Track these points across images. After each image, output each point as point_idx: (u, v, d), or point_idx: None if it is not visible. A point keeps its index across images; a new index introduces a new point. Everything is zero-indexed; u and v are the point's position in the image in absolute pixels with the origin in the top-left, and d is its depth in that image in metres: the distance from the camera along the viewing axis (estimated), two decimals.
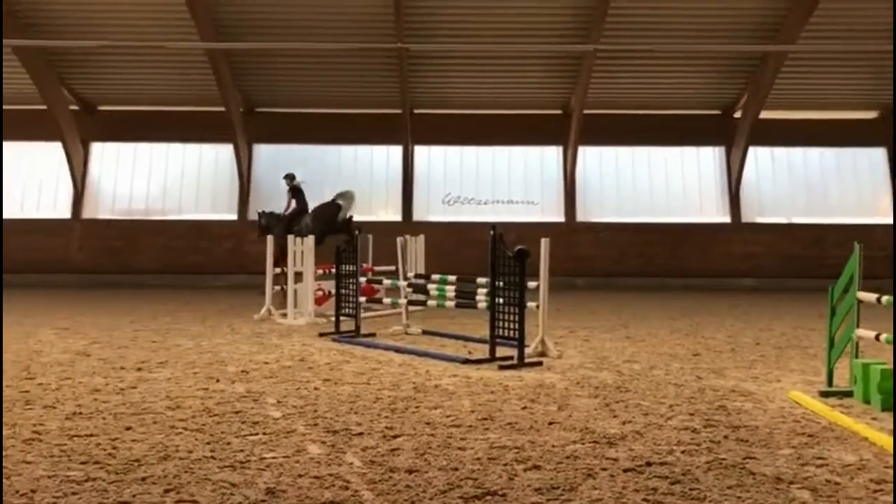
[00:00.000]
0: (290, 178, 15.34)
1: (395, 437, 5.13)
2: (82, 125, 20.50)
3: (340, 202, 14.44)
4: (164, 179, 21.17)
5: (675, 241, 20.44)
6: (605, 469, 4.43)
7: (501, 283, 8.12)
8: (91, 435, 5.16)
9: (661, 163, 21.45)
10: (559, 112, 21.16)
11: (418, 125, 20.72)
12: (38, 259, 19.91)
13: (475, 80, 20.25)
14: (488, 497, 3.98)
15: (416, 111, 20.85)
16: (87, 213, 20.76)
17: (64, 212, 20.69)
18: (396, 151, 21.23)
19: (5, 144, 20.60)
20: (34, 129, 19.97)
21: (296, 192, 15.17)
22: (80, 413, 5.79)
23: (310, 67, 19.67)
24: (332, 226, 14.15)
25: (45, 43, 18.06)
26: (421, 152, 21.40)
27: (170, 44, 17.82)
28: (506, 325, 8.07)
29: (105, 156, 21.19)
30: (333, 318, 10.46)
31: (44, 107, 19.33)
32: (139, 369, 7.65)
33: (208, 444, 4.96)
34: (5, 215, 20.20)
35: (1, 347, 6.88)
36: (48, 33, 18.05)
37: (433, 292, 9.62)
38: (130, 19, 17.89)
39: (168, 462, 4.56)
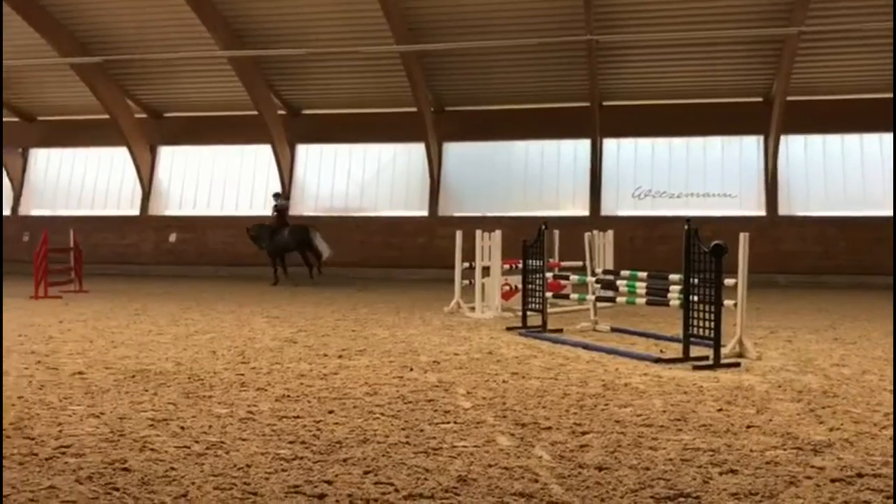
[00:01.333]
0: (276, 197, 18.99)
1: (583, 433, 5.10)
2: (289, 128, 21.97)
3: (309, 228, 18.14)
4: (361, 178, 22.25)
5: (888, 235, 18.74)
6: (809, 478, 4.17)
7: (696, 280, 7.83)
8: (298, 417, 5.55)
9: (875, 151, 19.71)
10: (759, 100, 20.02)
11: (607, 118, 20.38)
12: (252, 253, 21.63)
13: (667, 70, 19.61)
14: (681, 499, 3.87)
15: (605, 103, 20.52)
16: (293, 210, 22.23)
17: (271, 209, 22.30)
18: (584, 145, 21.00)
19: (223, 147, 22.54)
20: (248, 133, 21.66)
21: (280, 210, 18.69)
22: (288, 396, 6.23)
23: (497, 64, 19.90)
24: (303, 241, 17.98)
25: (255, 53, 19.53)
26: (610, 145, 21.04)
27: (364, 48, 18.69)
28: (701, 323, 7.77)
29: (309, 156, 22.58)
30: (520, 313, 10.54)
31: (255, 112, 20.92)
32: (340, 356, 8.10)
33: (403, 429, 5.18)
34: (214, 212, 22.11)
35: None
36: (257, 44, 19.51)
37: (622, 289, 9.44)
38: (330, 27, 18.94)
39: (367, 445, 4.81)
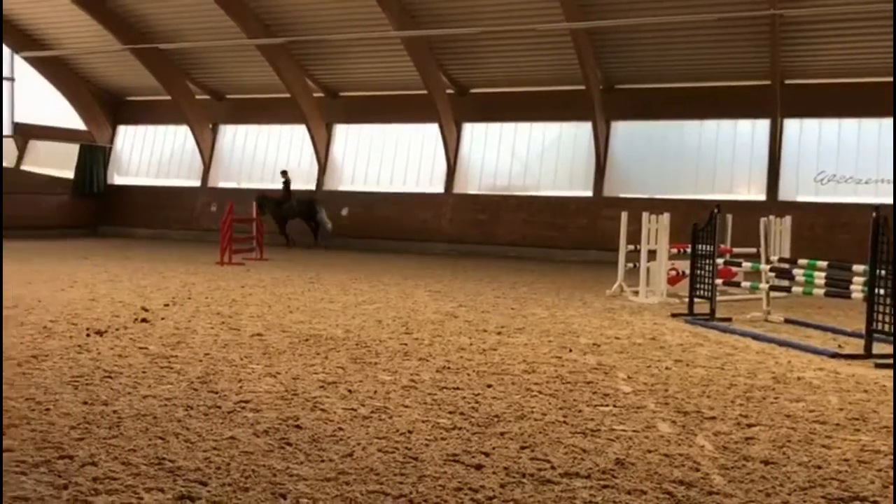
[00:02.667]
0: (284, 174, 21.94)
1: (750, 425, 4.90)
2: (456, 107, 22.27)
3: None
4: (525, 157, 22.21)
5: None
6: None
7: (883, 272, 7.26)
8: (457, 388, 5.68)
9: None
10: None
11: (789, 97, 19.16)
12: (415, 228, 22.23)
13: (857, 44, 18.12)
14: (856, 502, 3.64)
15: (787, 82, 19.30)
16: (458, 187, 22.57)
17: (438, 186, 22.73)
18: (763, 125, 19.86)
19: (392, 126, 23.21)
20: (417, 112, 22.18)
21: (286, 184, 21.71)
22: (449, 368, 6.39)
23: (672, 41, 19.16)
24: (308, 211, 21.28)
25: (428, 32, 19.90)
26: (791, 126, 19.77)
27: (539, 25, 18.55)
28: (886, 318, 7.21)
29: (475, 135, 22.81)
30: (686, 299, 10.20)
31: (424, 91, 21.37)
32: (499, 333, 8.20)
33: (561, 409, 5.18)
34: (393, 189, 22.84)
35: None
36: (429, 24, 19.85)
37: (799, 278, 8.91)
38: (501, 5, 18.94)
39: (524, 421, 4.86)
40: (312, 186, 23.78)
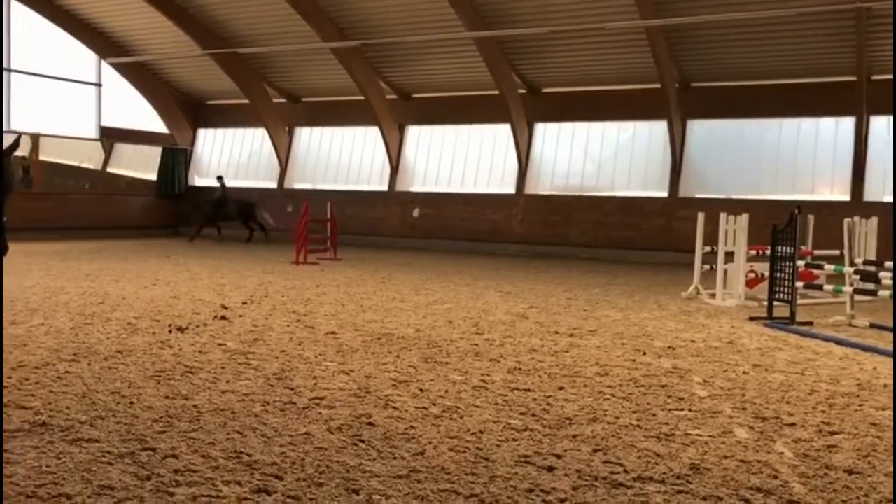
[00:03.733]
0: (219, 179, 23.33)
1: (832, 433, 4.74)
2: (528, 107, 22.19)
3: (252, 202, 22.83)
4: (598, 157, 21.97)
5: None
6: None
7: None
8: (528, 390, 5.66)
9: None
10: None
11: (876, 93, 18.43)
12: (487, 229, 22.23)
13: None
14: None
15: (873, 77, 18.57)
16: (530, 188, 22.47)
17: (510, 187, 22.68)
18: (847, 123, 19.17)
19: (464, 127, 23.28)
20: (489, 112, 22.18)
21: (222, 187, 23.07)
22: (520, 369, 6.37)
23: (751, 37, 18.65)
24: (248, 214, 22.68)
25: (500, 33, 19.88)
26: (878, 123, 19.02)
27: (612, 24, 18.33)
28: None
29: (547, 135, 22.68)
30: (765, 303, 9.92)
31: (496, 92, 21.36)
32: (571, 335, 8.13)
33: (634, 412, 5.11)
34: (464, 190, 22.89)
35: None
36: (501, 24, 19.83)
37: (886, 281, 8.57)
38: (573, 4, 18.78)
39: (596, 424, 4.81)
40: (385, 187, 24.01)
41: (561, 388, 5.73)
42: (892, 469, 4.08)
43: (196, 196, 26.27)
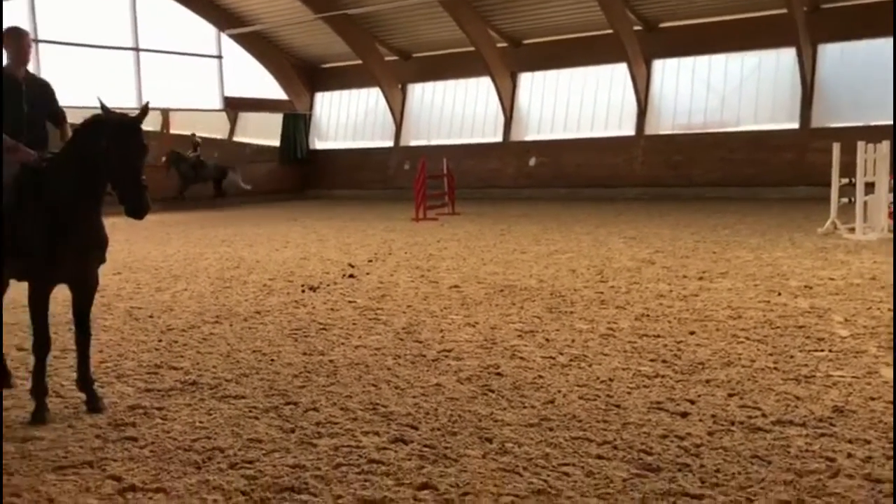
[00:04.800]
0: (195, 143, 22.38)
1: None
2: (645, 44, 21.40)
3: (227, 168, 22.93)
4: (722, 91, 21.01)
5: None
6: None
7: None
8: (658, 336, 5.57)
9: None
10: None
11: None
12: (606, 174, 21.78)
13: None
14: None
15: None
16: (650, 128, 21.80)
17: (628, 129, 22.08)
18: None
19: (578, 70, 22.75)
20: (603, 53, 21.56)
21: (196, 147, 22.36)
22: (648, 315, 6.26)
23: None
24: (221, 174, 22.67)
25: None
26: None
27: None
28: None
29: (666, 72, 21.85)
30: None
31: (610, 31, 20.70)
32: (700, 278, 7.91)
33: (770, 355, 4.94)
34: (581, 135, 22.48)
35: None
36: None
37: None
38: None
39: (730, 368, 4.68)
40: (499, 138, 23.87)
41: (692, 333, 5.61)
42: None
43: (316, 159, 27.00)
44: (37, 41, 19.34)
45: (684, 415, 3.91)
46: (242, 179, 23.20)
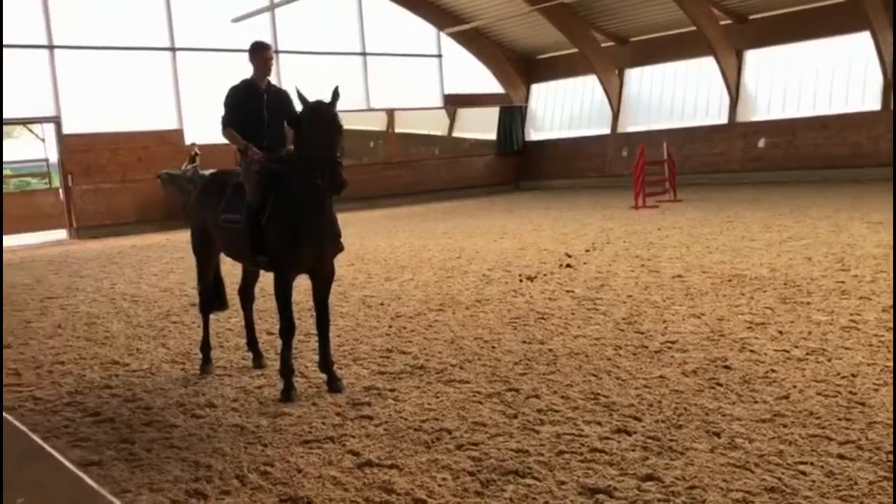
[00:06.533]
0: (195, 155, 18.64)
1: None
2: (891, 10, 19.36)
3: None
4: None
5: None
6: None
7: None
8: None
9: None
10: None
11: None
12: (845, 154, 19.99)
13: None
14: None
15: None
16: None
17: (873, 103, 20.10)
18: None
19: (810, 43, 21.07)
20: (838, 21, 19.80)
21: (194, 158, 18.64)
22: None
23: None
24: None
25: None
26: None
27: None
28: None
29: None
30: None
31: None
32: None
33: None
34: (817, 112, 20.82)
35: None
36: None
37: None
38: None
39: None
40: (724, 120, 22.70)
41: None
42: None
43: (530, 150, 27.19)
44: (277, 52, 21.12)
45: None
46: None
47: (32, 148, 24.32)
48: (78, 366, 5.70)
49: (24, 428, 1.08)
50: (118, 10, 18.69)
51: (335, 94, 4.49)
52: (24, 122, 19.70)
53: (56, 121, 17.98)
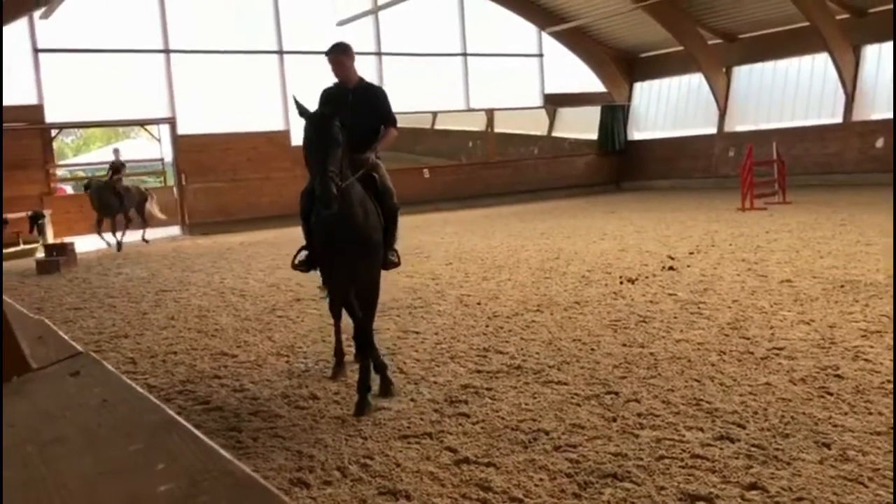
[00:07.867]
0: (118, 164, 15.94)
1: None
2: None
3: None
4: None
5: None
6: None
7: None
8: None
9: None
10: None
11: None
12: None
13: None
14: None
15: None
16: None
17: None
18: None
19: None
20: None
21: (119, 169, 15.92)
22: None
23: None
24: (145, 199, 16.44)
25: None
26: None
27: None
28: None
29: None
30: None
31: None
32: None
33: None
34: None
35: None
36: None
37: None
38: None
39: None
40: (838, 119, 21.67)
41: None
42: None
43: (632, 150, 26.69)
44: (380, 54, 21.50)
45: None
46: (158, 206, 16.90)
47: (149, 148, 25.65)
48: (189, 356, 5.98)
49: (157, 401, 1.17)
50: (230, 15, 19.43)
51: (332, 106, 4.40)
52: (142, 123, 20.77)
53: (171, 122, 18.85)
